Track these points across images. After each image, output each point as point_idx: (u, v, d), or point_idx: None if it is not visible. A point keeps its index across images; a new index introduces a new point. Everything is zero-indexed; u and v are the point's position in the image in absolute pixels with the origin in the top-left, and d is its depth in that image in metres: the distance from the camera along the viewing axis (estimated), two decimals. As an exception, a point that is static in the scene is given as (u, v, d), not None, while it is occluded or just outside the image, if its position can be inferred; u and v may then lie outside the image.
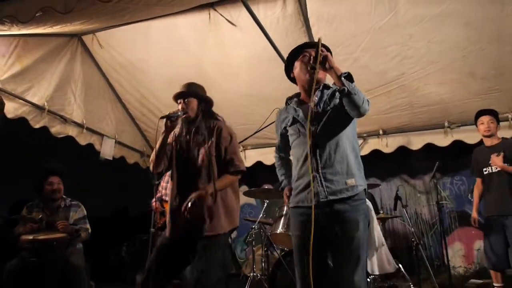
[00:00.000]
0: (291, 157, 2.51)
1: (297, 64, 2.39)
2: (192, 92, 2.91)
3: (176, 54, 4.66)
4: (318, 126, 2.23)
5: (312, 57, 2.18)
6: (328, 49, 2.35)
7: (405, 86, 4.56)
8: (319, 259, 2.15)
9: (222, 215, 2.66)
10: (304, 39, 3.95)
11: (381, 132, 5.32)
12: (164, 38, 4.46)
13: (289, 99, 2.51)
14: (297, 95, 2.49)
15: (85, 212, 4.07)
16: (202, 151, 2.75)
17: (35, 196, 4.03)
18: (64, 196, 4.07)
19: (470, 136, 4.89)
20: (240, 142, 5.01)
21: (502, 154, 3.96)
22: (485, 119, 4.12)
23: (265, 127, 4.43)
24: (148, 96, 5.31)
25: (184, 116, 2.82)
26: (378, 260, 3.56)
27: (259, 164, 6.06)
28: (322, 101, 2.30)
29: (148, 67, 4.89)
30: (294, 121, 2.37)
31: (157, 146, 2.79)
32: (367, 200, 2.32)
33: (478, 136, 4.81)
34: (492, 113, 4.14)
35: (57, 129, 4.72)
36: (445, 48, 4.04)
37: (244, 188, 7.14)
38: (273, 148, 5.90)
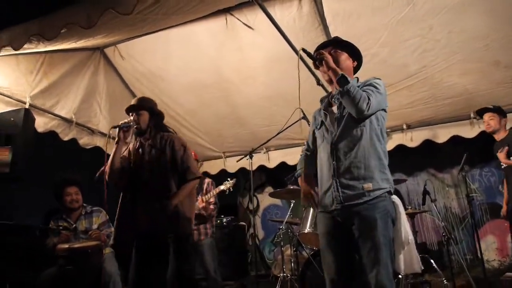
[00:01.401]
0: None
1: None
2: (143, 105, 3.04)
3: (194, 61, 4.72)
4: (337, 131, 2.25)
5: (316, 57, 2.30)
6: (347, 45, 2.39)
7: (426, 79, 4.49)
8: (346, 259, 2.19)
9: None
10: (321, 38, 3.96)
11: (405, 126, 5.25)
12: (183, 45, 4.54)
13: (321, 101, 2.54)
14: (329, 94, 2.50)
15: (107, 216, 4.16)
16: (155, 164, 2.87)
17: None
18: (84, 204, 4.17)
19: (496, 126, 4.80)
20: (263, 144, 5.07)
21: (506, 149, 4.03)
22: (485, 117, 4.28)
23: (287, 127, 4.46)
24: (170, 103, 5.39)
25: (136, 127, 2.95)
26: (406, 258, 3.50)
27: (283, 164, 6.07)
28: (342, 107, 2.29)
29: (168, 75, 4.98)
30: (321, 124, 2.39)
31: (111, 156, 2.92)
32: (394, 197, 2.30)
33: (505, 126, 4.74)
34: (491, 109, 4.24)
35: (85, 140, 4.87)
36: (466, 37, 3.97)
37: (269, 189, 7.19)
38: (297, 148, 6.00)
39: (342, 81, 2.14)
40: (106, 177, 2.92)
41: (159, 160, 2.85)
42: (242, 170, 5.93)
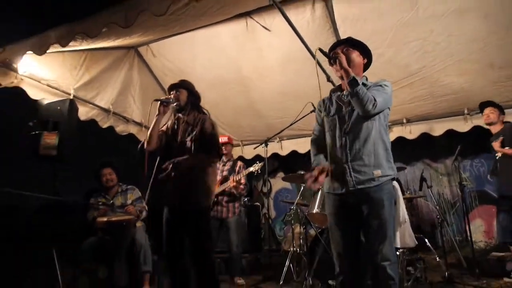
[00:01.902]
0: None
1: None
2: (183, 85, 2.98)
3: (217, 59, 4.69)
4: (349, 122, 2.21)
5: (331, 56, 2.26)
6: (359, 44, 2.35)
7: (426, 78, 4.39)
8: (352, 235, 2.18)
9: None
10: (331, 39, 3.89)
11: (404, 120, 5.16)
12: (207, 46, 4.50)
13: (332, 92, 2.46)
14: (340, 87, 2.44)
15: (140, 193, 4.23)
16: (187, 138, 2.79)
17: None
18: (120, 183, 4.26)
19: (488, 121, 4.69)
20: (276, 134, 5.05)
21: (500, 139, 3.98)
22: (486, 110, 4.22)
23: (298, 120, 4.42)
24: (196, 98, 5.38)
25: (175, 104, 2.88)
26: (401, 234, 3.47)
27: (294, 152, 6.05)
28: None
29: (194, 72, 4.95)
30: (334, 113, 2.33)
31: (151, 126, 2.84)
32: (394, 181, 2.27)
33: (497, 122, 4.62)
34: (492, 104, 4.18)
35: (121, 128, 4.90)
36: (464, 40, 3.86)
37: (281, 174, 7.17)
38: (307, 138, 5.93)
39: (353, 83, 2.11)
40: (145, 145, 2.85)
41: (190, 136, 2.78)
42: (258, 157, 5.90)
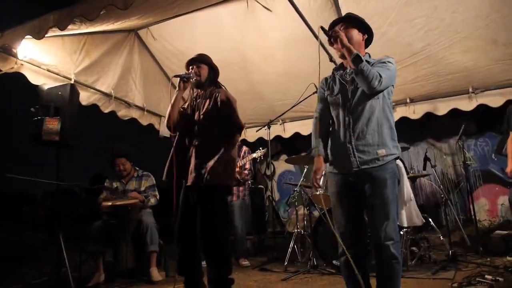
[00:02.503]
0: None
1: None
2: (203, 59, 2.90)
3: (218, 41, 4.63)
4: (353, 101, 2.18)
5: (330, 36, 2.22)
6: (357, 20, 2.30)
7: (430, 57, 4.34)
8: (355, 214, 2.18)
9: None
10: (334, 18, 3.82)
11: (408, 100, 5.12)
12: (207, 27, 4.45)
13: (335, 70, 2.41)
14: (342, 65, 2.39)
15: (154, 181, 4.28)
16: (206, 115, 2.68)
17: (109, 170, 4.30)
18: (137, 168, 4.31)
19: (493, 100, 4.65)
20: (279, 116, 5.04)
21: None
22: None
23: (301, 101, 4.40)
24: (197, 79, 5.36)
25: (195, 79, 2.79)
26: (407, 213, 3.48)
27: (297, 134, 6.04)
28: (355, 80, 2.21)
29: (195, 53, 4.88)
30: (338, 93, 2.28)
31: (171, 102, 2.76)
32: (397, 160, 2.26)
33: (501, 100, 4.58)
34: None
35: (123, 112, 4.90)
36: (468, 17, 3.79)
37: (284, 156, 7.17)
38: (310, 120, 5.88)
39: (356, 60, 2.07)
40: (166, 122, 2.80)
41: (209, 112, 2.68)
42: (260, 139, 5.91)
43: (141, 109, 5.16)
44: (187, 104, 2.91)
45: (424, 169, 4.60)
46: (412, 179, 4.23)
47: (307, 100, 4.38)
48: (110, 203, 3.75)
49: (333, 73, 2.41)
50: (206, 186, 2.51)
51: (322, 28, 2.21)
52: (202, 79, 2.83)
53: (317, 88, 3.68)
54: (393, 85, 2.22)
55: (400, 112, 5.18)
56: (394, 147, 2.16)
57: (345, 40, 2.14)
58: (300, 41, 4.31)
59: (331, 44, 2.25)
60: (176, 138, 2.81)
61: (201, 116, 2.71)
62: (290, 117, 5.77)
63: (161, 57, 5.13)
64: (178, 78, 2.78)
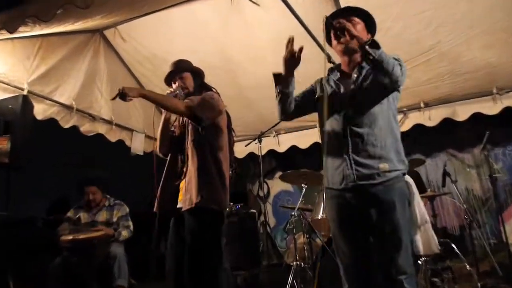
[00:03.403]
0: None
1: (332, 37, 2.34)
2: (184, 66, 2.93)
3: (199, 41, 4.69)
4: (352, 105, 2.19)
5: (337, 28, 2.20)
6: (362, 14, 2.35)
7: (444, 54, 4.42)
8: (361, 245, 2.15)
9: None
10: (331, 11, 3.90)
11: (422, 104, 5.19)
12: (186, 25, 4.51)
13: (330, 70, 2.45)
14: (339, 66, 2.43)
15: (127, 210, 4.36)
16: (192, 130, 2.72)
17: (76, 196, 4.34)
18: (108, 196, 4.39)
19: (522, 101, 4.74)
20: (272, 127, 5.05)
21: None
22: None
23: (297, 109, 4.43)
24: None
25: (184, 93, 2.82)
26: (423, 239, 3.49)
27: (294, 148, 6.07)
28: (360, 78, 2.24)
29: (171, 56, 4.81)
30: (332, 95, 2.31)
31: (159, 128, 2.84)
32: (406, 176, 2.27)
33: (532, 101, 4.66)
34: None
35: (87, 127, 4.89)
36: (485, 7, 3.88)
37: (280, 173, 7.17)
38: (309, 131, 5.95)
39: (374, 45, 2.05)
40: (157, 149, 2.86)
41: (195, 126, 2.72)
42: (251, 155, 5.93)
43: (109, 122, 5.16)
44: (176, 123, 2.96)
45: (444, 185, 4.64)
46: (430, 198, 4.26)
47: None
48: (71, 237, 3.73)
49: (328, 74, 2.44)
50: (193, 210, 2.55)
51: (327, 18, 2.21)
52: (190, 89, 2.87)
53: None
54: (399, 90, 2.25)
55: (413, 119, 5.24)
56: (399, 161, 2.15)
57: (354, 30, 2.14)
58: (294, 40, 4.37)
59: (336, 37, 2.26)
60: (169, 158, 2.88)
61: (187, 133, 2.75)
62: (285, 127, 5.81)
63: (131, 61, 5.16)
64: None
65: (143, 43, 4.86)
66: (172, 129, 2.94)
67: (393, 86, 2.11)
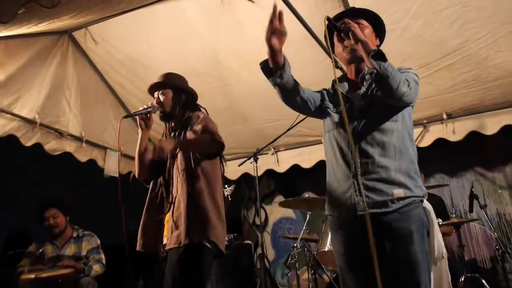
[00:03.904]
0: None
1: (335, 43, 2.36)
2: (166, 81, 3.02)
3: (184, 44, 4.73)
4: (361, 121, 2.20)
5: (341, 29, 2.17)
6: (370, 16, 2.36)
7: (470, 57, 4.44)
8: (370, 283, 2.06)
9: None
10: (338, 10, 3.93)
11: (445, 116, 5.21)
12: (169, 25, 4.54)
13: (337, 81, 2.39)
14: (346, 76, 2.44)
15: (98, 242, 4.37)
16: (177, 160, 2.81)
17: (34, 226, 4.30)
18: (76, 227, 4.41)
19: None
20: (270, 143, 5.05)
21: None
22: None
23: (299, 122, 4.43)
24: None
25: (159, 110, 2.91)
26: (435, 276, 3.47)
27: (295, 168, 6.06)
28: (370, 91, 2.25)
29: (152, 61, 4.97)
30: (336, 109, 2.33)
31: (137, 150, 2.90)
32: (425, 202, 2.25)
33: None
34: None
35: (52, 145, 4.86)
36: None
37: (280, 198, 7.17)
38: (313, 147, 5.97)
39: (379, 56, 2.03)
40: (136, 175, 2.93)
41: (188, 156, 2.79)
42: (246, 176, 5.92)
43: (78, 139, 5.14)
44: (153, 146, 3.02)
45: (471, 211, 4.64)
46: (456, 226, 4.26)
47: (308, 119, 4.42)
48: (33, 276, 3.69)
49: (332, 85, 2.47)
50: (183, 249, 2.59)
51: (328, 19, 2.21)
52: (167, 109, 2.94)
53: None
54: (412, 106, 2.26)
55: (434, 133, 5.27)
56: (416, 187, 2.15)
57: (360, 33, 2.11)
58: (294, 41, 4.36)
59: (339, 39, 2.28)
60: (151, 187, 2.95)
61: (173, 159, 2.83)
62: (286, 143, 5.81)
63: (105, 67, 5.18)
64: (138, 116, 2.87)
65: (119, 46, 4.88)
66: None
67: (397, 103, 2.13)
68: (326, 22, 2.19)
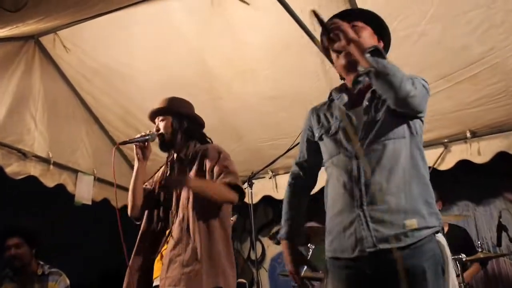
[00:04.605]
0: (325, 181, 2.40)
1: (326, 42, 2.35)
2: (169, 107, 3.10)
3: (169, 50, 4.78)
4: (366, 141, 2.18)
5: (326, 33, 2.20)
6: (367, 16, 2.40)
7: (496, 66, 4.46)
8: None
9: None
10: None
11: (468, 134, 5.20)
12: (152, 29, 4.59)
13: (334, 92, 2.44)
14: (345, 87, 2.42)
15: (67, 282, 4.32)
16: (183, 193, 2.86)
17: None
18: (41, 262, 4.34)
19: None
20: (268, 166, 5.04)
21: None
22: None
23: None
24: (135, 111, 5.44)
25: (159, 137, 3.00)
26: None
27: (297, 194, 6.06)
28: (373, 106, 2.23)
29: (132, 71, 5.01)
30: (335, 129, 2.31)
31: (131, 183, 2.96)
32: (438, 235, 2.21)
33: None
34: None
35: (14, 168, 4.84)
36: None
37: (279, 228, 7.14)
38: (316, 170, 5.93)
39: (375, 53, 2.04)
40: (129, 212, 2.97)
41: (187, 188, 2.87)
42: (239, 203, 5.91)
43: (45, 161, 5.13)
44: (158, 177, 3.10)
45: (500, 244, 4.63)
46: (483, 262, 4.25)
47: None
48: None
49: (329, 98, 2.46)
50: None
51: (314, 13, 2.19)
52: (166, 137, 3.03)
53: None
54: (422, 120, 2.26)
55: (457, 153, 5.27)
56: (431, 215, 2.11)
57: (351, 32, 2.12)
58: (296, 48, 4.44)
59: (329, 42, 2.24)
60: (144, 220, 2.99)
61: (176, 194, 2.89)
62: (285, 166, 5.80)
63: (77, 77, 5.21)
64: (134, 144, 2.95)
65: (93, 53, 4.92)
66: (148, 184, 3.09)
67: (401, 106, 2.08)
68: (313, 17, 2.18)
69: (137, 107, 5.38)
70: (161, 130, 3.02)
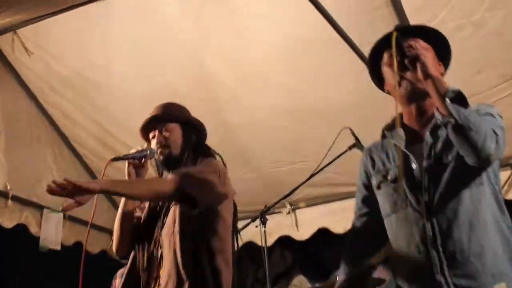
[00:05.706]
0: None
1: (385, 70, 2.40)
2: (172, 114, 3.07)
3: (157, 51, 4.81)
4: (437, 194, 2.20)
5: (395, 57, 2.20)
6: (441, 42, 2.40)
7: None
8: None
9: None
10: (385, 8, 4.00)
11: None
12: (136, 25, 4.62)
13: (387, 130, 2.47)
14: (401, 121, 2.40)
15: None
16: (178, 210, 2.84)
17: None
18: None
19: None
20: (285, 197, 4.96)
21: None
22: None
23: (328, 164, 4.42)
24: (112, 127, 5.49)
25: (164, 154, 2.94)
26: None
27: (323, 232, 6.02)
28: (438, 146, 2.25)
29: (109, 77, 5.04)
30: (394, 176, 2.33)
31: (119, 211, 2.93)
32: None
33: None
34: None
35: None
36: None
37: (300, 279, 7.12)
38: (347, 202, 5.95)
39: (457, 101, 2.05)
40: (113, 248, 3.00)
41: (186, 212, 2.81)
42: (249, 246, 5.90)
43: (2, 194, 5.15)
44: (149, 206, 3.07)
45: None
46: None
47: (341, 160, 4.40)
48: None
49: (383, 135, 2.50)
50: None
51: (397, 29, 2.22)
52: (174, 151, 2.97)
53: (355, 137, 3.77)
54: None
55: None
56: None
57: (432, 66, 2.16)
58: (320, 47, 4.42)
59: (401, 68, 2.25)
60: (130, 263, 2.97)
61: (172, 223, 2.84)
62: (308, 197, 5.81)
63: (42, 86, 5.26)
64: (127, 161, 2.96)
65: (61, 56, 4.96)
66: (140, 211, 3.07)
67: (482, 164, 2.10)
68: (395, 36, 2.19)
69: (117, 124, 5.42)
70: (169, 143, 2.95)
